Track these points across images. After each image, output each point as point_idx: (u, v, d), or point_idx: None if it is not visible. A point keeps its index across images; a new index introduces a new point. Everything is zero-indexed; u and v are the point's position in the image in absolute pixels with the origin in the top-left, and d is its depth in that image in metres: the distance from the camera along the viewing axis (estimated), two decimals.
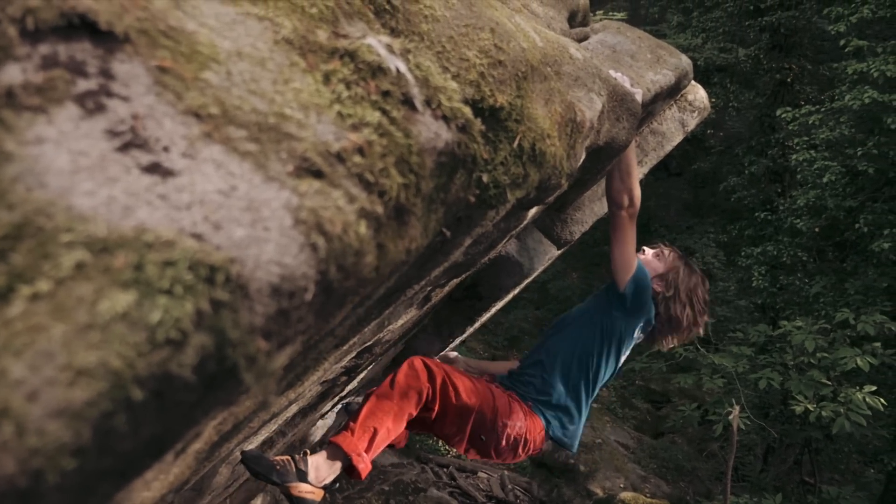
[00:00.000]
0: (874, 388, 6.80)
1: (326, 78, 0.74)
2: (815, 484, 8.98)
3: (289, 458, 2.03)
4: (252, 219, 0.52)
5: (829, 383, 6.99)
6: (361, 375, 3.28)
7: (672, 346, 2.62)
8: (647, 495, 7.47)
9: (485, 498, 8.25)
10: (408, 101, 0.80)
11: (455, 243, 1.31)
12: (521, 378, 2.55)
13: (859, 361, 6.69)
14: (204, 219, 0.50)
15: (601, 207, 3.37)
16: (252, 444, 2.52)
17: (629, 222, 2.37)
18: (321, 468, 2.06)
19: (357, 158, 0.65)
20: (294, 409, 2.46)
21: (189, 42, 0.67)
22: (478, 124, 0.96)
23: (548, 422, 2.47)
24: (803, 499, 8.29)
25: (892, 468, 7.94)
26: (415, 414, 2.24)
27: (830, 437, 8.43)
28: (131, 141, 0.53)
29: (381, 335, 2.22)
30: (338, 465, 2.10)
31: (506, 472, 9.01)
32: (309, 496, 2.01)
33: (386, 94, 0.76)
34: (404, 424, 2.23)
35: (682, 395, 11.74)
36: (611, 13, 4.84)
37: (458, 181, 0.94)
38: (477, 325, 3.58)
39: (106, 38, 0.59)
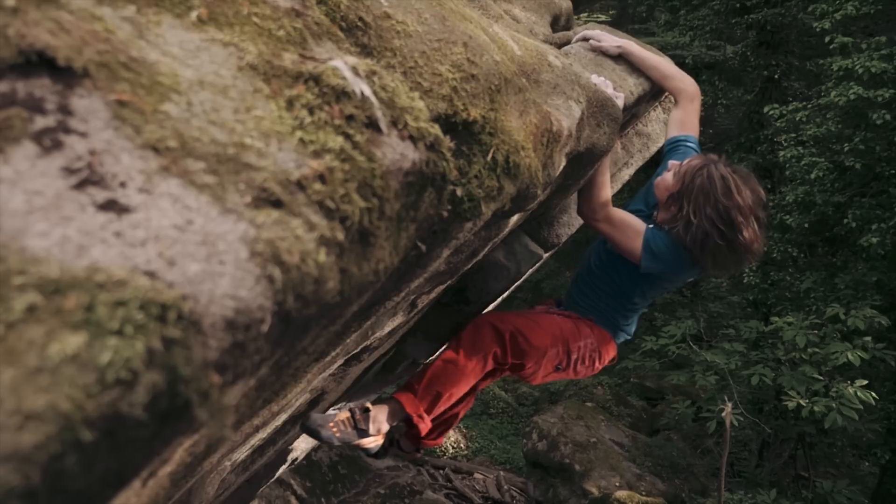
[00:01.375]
0: (865, 381, 6.85)
1: (290, 103, 0.75)
2: (809, 478, 9.03)
3: (348, 417, 2.15)
4: (207, 253, 0.53)
5: (821, 378, 7.04)
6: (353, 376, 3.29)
7: (737, 270, 2.36)
8: (643, 493, 7.50)
9: (481, 499, 8.27)
10: (372, 124, 0.81)
11: (432, 256, 1.32)
12: (575, 299, 2.64)
13: (850, 356, 6.74)
14: (158, 255, 0.51)
15: None
16: (242, 455, 2.53)
17: (609, 223, 2.35)
18: (381, 423, 2.19)
19: (318, 186, 0.66)
20: (283, 416, 2.47)
21: (150, 73, 0.67)
22: (447, 141, 0.97)
23: (613, 329, 2.56)
24: (798, 493, 8.34)
25: (885, 461, 7.99)
26: (481, 375, 2.34)
27: (824, 432, 8.49)
28: (88, 178, 0.54)
29: (368, 342, 2.23)
30: (397, 419, 2.26)
31: (501, 473, 9.03)
32: (371, 444, 2.20)
33: (350, 118, 0.77)
34: (470, 387, 2.35)
35: (676, 391, 11.79)
36: (596, 15, 4.86)
37: (427, 199, 0.95)
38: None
39: (65, 74, 0.60)
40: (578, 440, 8.23)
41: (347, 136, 0.75)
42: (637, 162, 3.95)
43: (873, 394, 6.62)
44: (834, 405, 6.58)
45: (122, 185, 0.55)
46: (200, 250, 0.53)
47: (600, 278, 2.54)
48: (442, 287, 2.42)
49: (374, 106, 0.80)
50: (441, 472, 8.94)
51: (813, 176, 7.39)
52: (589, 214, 2.38)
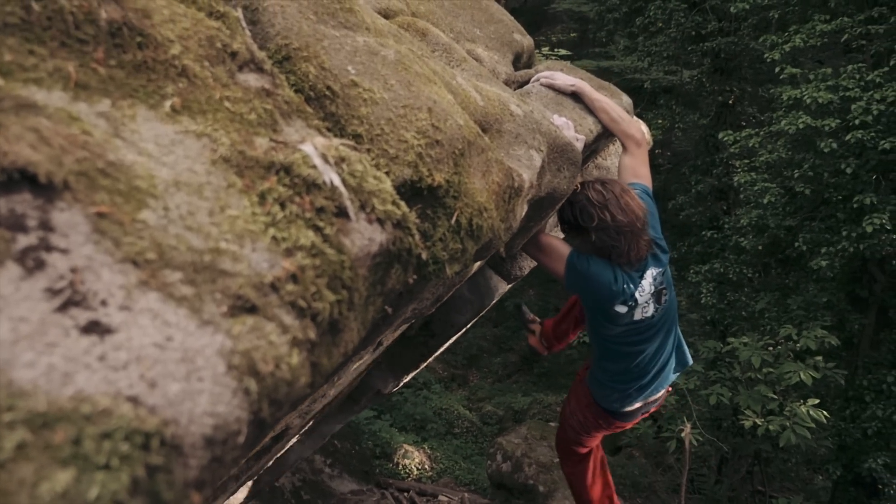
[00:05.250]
0: (817, 401, 7.07)
1: (262, 197, 0.79)
2: (765, 493, 9.25)
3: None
4: (187, 371, 0.56)
5: (776, 397, 7.24)
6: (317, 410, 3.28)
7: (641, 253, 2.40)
8: None
9: None
10: (342, 213, 0.85)
11: (398, 315, 1.36)
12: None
13: (802, 375, 6.96)
14: (140, 377, 0.54)
15: None
16: None
17: (537, 248, 2.52)
18: None
19: (290, 286, 0.70)
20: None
21: (127, 178, 0.70)
22: (413, 216, 1.01)
23: (601, 398, 2.80)
24: None
25: (837, 476, 8.24)
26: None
27: (780, 449, 8.73)
28: (70, 298, 0.57)
29: (332, 388, 2.25)
30: None
31: (466, 495, 9.02)
32: None
33: (320, 210, 0.81)
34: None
35: None
36: (557, 50, 4.98)
37: (395, 274, 0.99)
38: (431, 359, 3.62)
39: (46, 188, 0.63)
40: (542, 461, 8.28)
41: (318, 230, 0.79)
42: None
43: (825, 413, 6.84)
44: (788, 424, 6.78)
45: (104, 303, 0.58)
46: (180, 368, 0.56)
47: (590, 340, 2.75)
48: (406, 326, 2.46)
49: (344, 196, 0.84)
50: (405, 494, 8.89)
51: (765, 200, 7.66)
52: (525, 244, 2.52)
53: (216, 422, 0.55)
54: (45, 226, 0.61)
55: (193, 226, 0.69)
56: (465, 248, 1.32)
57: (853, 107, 6.57)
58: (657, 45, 11.60)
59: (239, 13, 1.26)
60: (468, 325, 3.44)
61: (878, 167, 7.05)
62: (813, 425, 6.74)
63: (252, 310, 0.65)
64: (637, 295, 2.38)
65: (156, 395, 0.53)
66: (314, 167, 0.86)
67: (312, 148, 0.91)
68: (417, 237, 1.01)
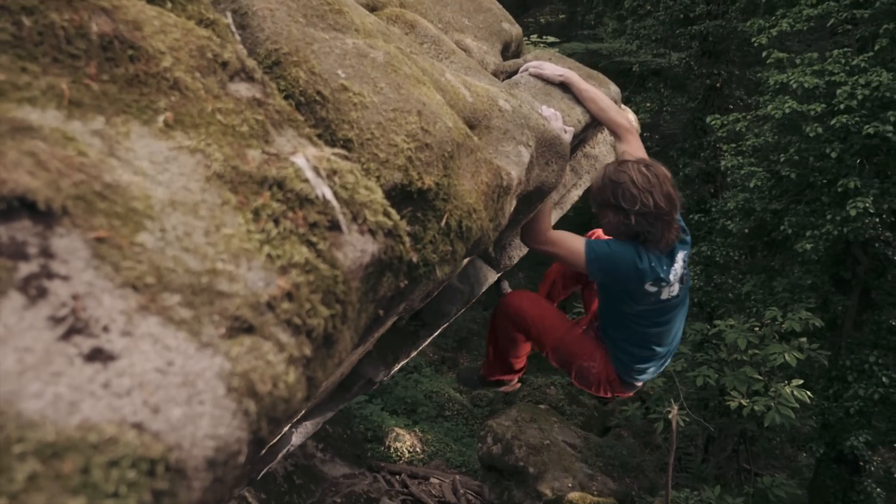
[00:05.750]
0: (801, 381, 7.21)
1: (256, 214, 0.80)
2: (751, 471, 9.44)
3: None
4: (188, 395, 0.58)
5: (761, 378, 7.37)
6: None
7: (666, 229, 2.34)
8: (595, 493, 7.71)
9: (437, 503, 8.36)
10: (334, 226, 0.86)
11: (389, 316, 1.38)
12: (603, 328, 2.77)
13: (787, 357, 7.08)
14: (143, 403, 0.56)
15: None
16: None
17: (552, 245, 2.45)
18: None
19: (285, 305, 0.72)
20: None
21: (124, 199, 0.72)
22: (403, 225, 1.03)
23: (619, 366, 2.70)
24: (741, 488, 8.70)
25: (820, 454, 8.42)
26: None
27: (766, 428, 8.89)
28: (73, 326, 0.58)
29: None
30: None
31: (457, 477, 9.14)
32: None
33: (313, 225, 0.83)
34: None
35: None
36: (545, 37, 4.97)
37: (386, 281, 1.01)
38: (422, 346, 3.65)
39: (45, 214, 0.64)
40: (532, 443, 8.40)
41: (311, 245, 0.81)
42: (585, 183, 4.07)
43: (808, 393, 6.97)
44: (772, 404, 6.91)
45: (106, 329, 0.60)
46: (181, 393, 0.58)
47: (601, 313, 2.69)
48: (395, 318, 2.48)
49: (336, 209, 0.86)
50: (397, 477, 8.99)
51: (752, 184, 7.72)
52: (533, 243, 2.50)
53: (217, 444, 0.58)
54: (46, 252, 0.63)
55: (190, 247, 0.71)
56: (454, 250, 1.34)
57: (838, 91, 6.62)
58: (646, 28, 11.58)
59: (229, 18, 1.26)
60: (458, 314, 3.47)
61: (862, 151, 7.12)
62: (797, 405, 6.87)
63: (249, 330, 0.67)
64: (670, 276, 2.37)
65: (159, 420, 0.55)
66: (306, 181, 0.88)
67: (304, 160, 0.93)
68: (408, 244, 1.03)
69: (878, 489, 7.95)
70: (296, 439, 4.23)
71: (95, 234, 0.66)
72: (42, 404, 0.52)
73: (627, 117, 2.88)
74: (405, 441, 10.28)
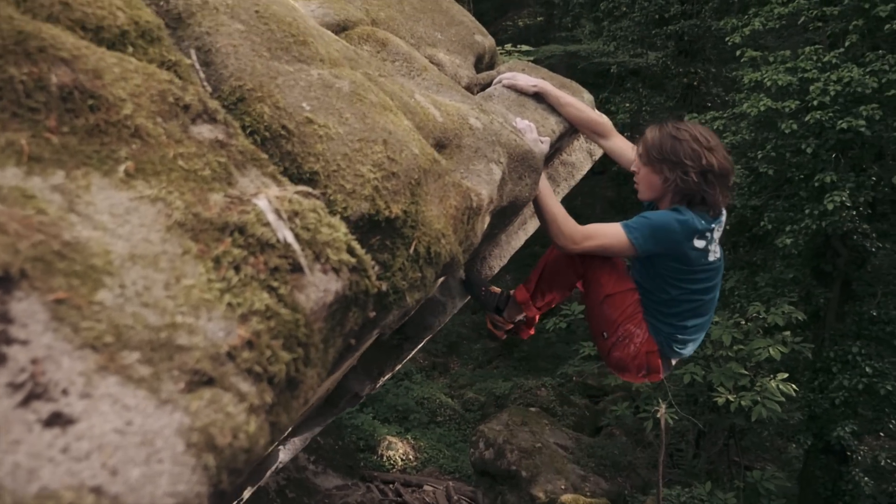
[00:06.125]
0: (786, 375, 7.29)
1: (217, 262, 0.82)
2: (740, 464, 9.52)
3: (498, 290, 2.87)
4: (147, 454, 0.60)
5: (747, 373, 7.45)
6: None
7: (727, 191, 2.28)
8: (588, 495, 7.75)
9: None
10: (296, 268, 0.88)
11: (362, 343, 1.40)
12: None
13: (772, 351, 7.16)
14: (102, 466, 0.57)
15: (517, 241, 3.51)
16: None
17: (590, 240, 2.34)
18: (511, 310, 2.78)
19: (246, 354, 0.74)
20: None
21: (83, 257, 0.73)
22: (368, 260, 1.05)
23: (662, 342, 2.47)
24: (732, 482, 8.78)
25: (808, 446, 8.51)
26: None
27: (755, 421, 8.99)
28: (32, 391, 0.60)
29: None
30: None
31: (451, 483, 9.15)
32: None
33: (274, 269, 0.85)
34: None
35: (617, 388, 12.20)
36: (520, 46, 5.01)
37: (353, 316, 1.03)
38: (406, 359, 3.67)
39: (2, 280, 0.66)
40: (524, 446, 8.42)
41: (272, 290, 0.83)
42: (564, 190, 4.11)
43: (794, 386, 7.06)
44: (759, 399, 6.99)
45: (65, 392, 0.61)
46: (140, 452, 0.60)
47: (641, 291, 2.50)
48: (372, 340, 2.50)
49: (297, 252, 0.88)
50: (391, 486, 8.99)
51: None
52: (571, 244, 2.37)
53: (177, 501, 0.59)
54: (5, 318, 0.64)
55: (150, 301, 0.72)
56: (424, 276, 1.36)
57: (811, 88, 6.72)
58: (622, 29, 11.69)
59: (193, 56, 1.28)
60: (442, 325, 3.49)
61: (837, 146, 7.23)
62: (783, 399, 6.96)
63: (209, 382, 0.69)
64: (714, 233, 2.28)
65: (118, 482, 0.57)
66: (267, 224, 0.90)
67: (266, 202, 0.95)
68: (374, 277, 1.05)
69: (866, 478, 8.06)
70: (284, 456, 4.23)
71: (54, 295, 0.67)
72: (1, 474, 0.54)
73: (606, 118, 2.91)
74: (398, 449, 10.28)
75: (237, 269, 0.82)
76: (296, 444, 4.12)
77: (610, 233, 2.30)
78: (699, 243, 2.23)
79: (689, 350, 2.55)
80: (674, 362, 2.60)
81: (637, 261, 2.44)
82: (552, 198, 2.53)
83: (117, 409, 0.62)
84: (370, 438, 10.26)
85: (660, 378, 2.62)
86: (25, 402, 0.59)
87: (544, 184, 2.50)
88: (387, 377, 3.87)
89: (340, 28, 2.46)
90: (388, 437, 10.37)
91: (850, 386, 7.83)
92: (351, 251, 1.00)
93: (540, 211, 2.50)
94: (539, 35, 18.97)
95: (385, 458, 9.99)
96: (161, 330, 0.70)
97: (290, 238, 0.89)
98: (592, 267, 2.49)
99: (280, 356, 0.78)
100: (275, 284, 0.84)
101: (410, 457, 10.29)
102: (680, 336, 2.45)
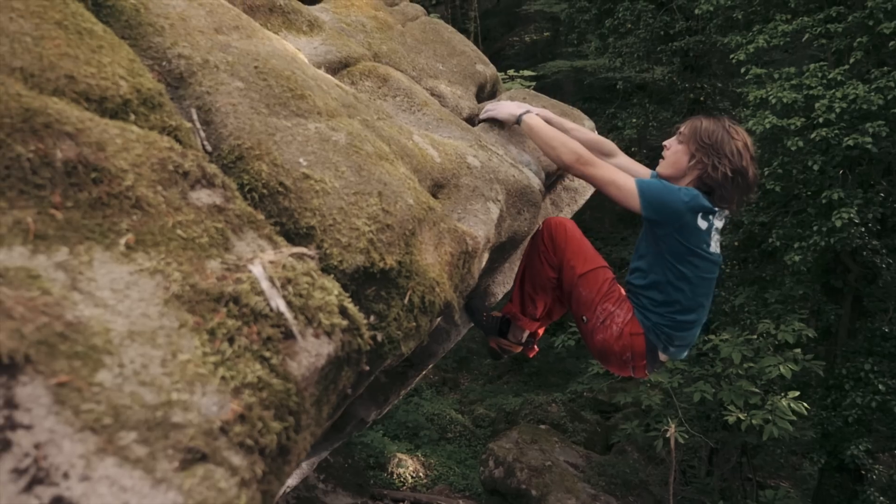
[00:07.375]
0: (797, 393, 7.24)
1: (212, 334, 0.86)
2: (753, 481, 9.43)
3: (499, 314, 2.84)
4: None
5: (758, 391, 7.40)
6: None
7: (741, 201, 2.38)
8: None
9: None
10: (289, 335, 0.92)
11: (358, 390, 1.43)
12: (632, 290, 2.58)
13: (782, 369, 7.12)
14: None
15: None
16: None
17: (594, 164, 2.40)
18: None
19: (238, 427, 0.78)
20: None
21: (85, 337, 0.78)
22: (361, 319, 1.09)
23: (650, 332, 2.47)
24: (745, 500, 8.71)
25: (822, 464, 8.42)
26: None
27: (766, 439, 8.92)
28: (35, 476, 0.64)
29: None
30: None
31: (461, 502, 9.12)
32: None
33: (267, 339, 0.89)
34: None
35: (628, 404, 12.14)
36: (523, 71, 5.07)
37: (345, 375, 1.07)
38: (411, 386, 3.70)
39: (8, 366, 0.70)
40: (534, 465, 8.40)
41: (265, 360, 0.87)
42: (567, 214, 4.14)
43: (805, 404, 7.01)
44: (770, 417, 6.94)
45: (66, 475, 0.65)
46: None
47: (638, 274, 2.53)
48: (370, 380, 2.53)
49: (290, 321, 0.92)
50: None
51: None
52: (578, 164, 2.43)
53: None
54: (10, 403, 0.68)
55: (147, 380, 0.77)
56: (419, 325, 1.40)
57: (817, 105, 6.74)
58: (628, 46, 11.75)
59: (194, 116, 1.33)
60: (446, 352, 3.53)
61: (844, 163, 7.23)
62: (794, 417, 6.91)
63: (202, 458, 0.73)
64: (716, 223, 2.34)
65: None
66: (261, 293, 0.94)
67: (261, 269, 0.99)
68: (367, 335, 1.09)
69: (882, 497, 7.96)
70: (292, 481, 4.26)
71: (57, 379, 0.72)
72: None
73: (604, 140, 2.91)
74: (408, 466, 10.27)
75: (231, 340, 0.87)
76: (304, 468, 4.15)
77: (620, 175, 2.37)
78: (702, 223, 2.29)
79: (675, 351, 2.53)
80: (663, 359, 2.56)
81: (644, 240, 2.48)
82: (547, 128, 2.54)
83: (115, 491, 0.66)
84: (380, 456, 10.26)
85: (645, 374, 2.60)
86: (29, 488, 0.63)
87: (536, 120, 2.57)
88: (392, 403, 3.90)
89: (343, 65, 2.52)
90: (399, 455, 10.37)
91: (863, 403, 7.76)
92: (343, 312, 1.04)
93: (540, 142, 2.52)
94: (546, 51, 19.10)
95: (395, 476, 9.98)
96: (157, 408, 0.74)
97: (283, 307, 0.93)
98: (565, 254, 2.54)
99: (271, 427, 0.82)
100: (267, 354, 0.88)
101: (421, 474, 10.27)
102: (667, 329, 2.43)
